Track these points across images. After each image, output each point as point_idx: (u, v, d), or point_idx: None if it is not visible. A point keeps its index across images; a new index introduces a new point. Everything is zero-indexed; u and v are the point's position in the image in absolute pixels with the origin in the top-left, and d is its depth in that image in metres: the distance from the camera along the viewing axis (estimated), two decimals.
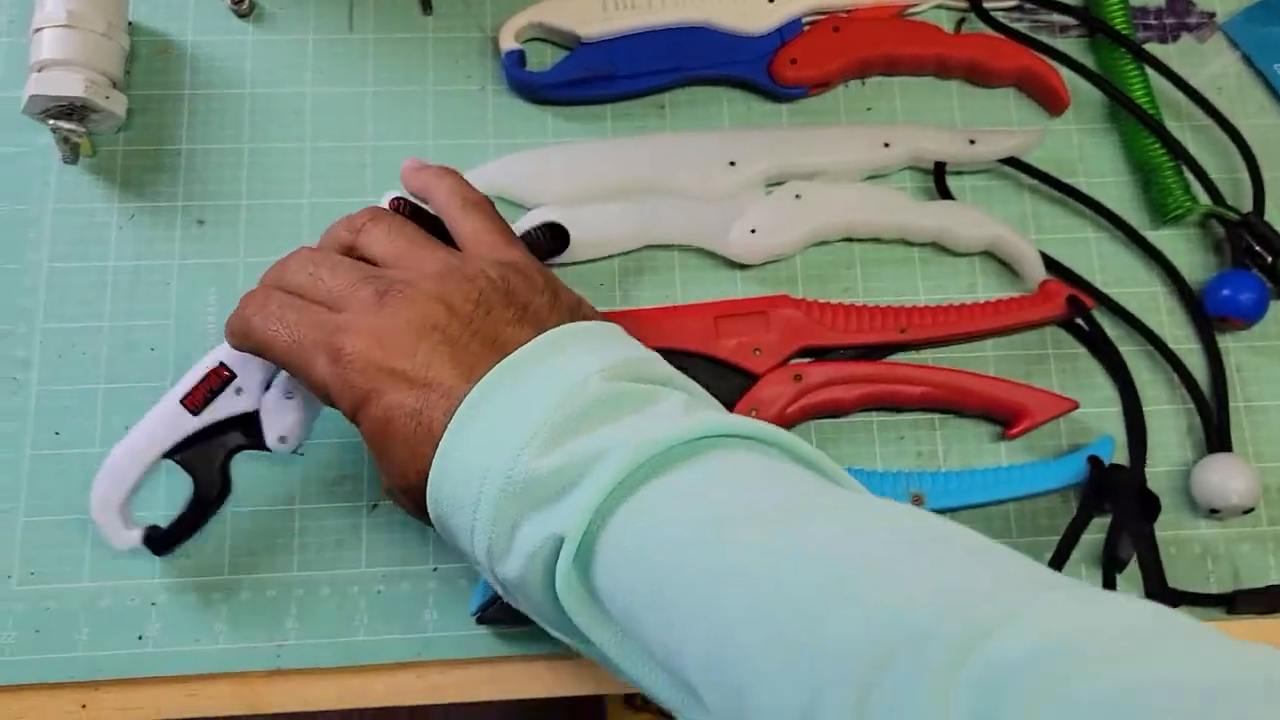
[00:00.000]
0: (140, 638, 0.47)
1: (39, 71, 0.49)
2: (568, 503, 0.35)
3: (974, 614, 0.28)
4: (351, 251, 0.43)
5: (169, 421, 0.45)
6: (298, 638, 0.47)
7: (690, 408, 0.37)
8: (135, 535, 0.44)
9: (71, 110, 0.49)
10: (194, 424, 0.45)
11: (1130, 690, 0.24)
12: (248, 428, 0.46)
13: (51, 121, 0.49)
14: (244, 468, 0.47)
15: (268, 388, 0.46)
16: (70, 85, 0.49)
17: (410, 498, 0.39)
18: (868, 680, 0.27)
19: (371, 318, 0.38)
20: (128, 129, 0.53)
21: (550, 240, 0.50)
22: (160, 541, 0.45)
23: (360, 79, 0.55)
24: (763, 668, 0.30)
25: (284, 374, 0.45)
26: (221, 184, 0.53)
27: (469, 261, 0.40)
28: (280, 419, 0.46)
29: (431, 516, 0.38)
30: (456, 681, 0.48)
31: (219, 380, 0.45)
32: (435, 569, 0.48)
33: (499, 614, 0.47)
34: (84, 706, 0.46)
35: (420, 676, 0.48)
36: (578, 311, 0.42)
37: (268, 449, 0.46)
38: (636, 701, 1.18)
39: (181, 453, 0.45)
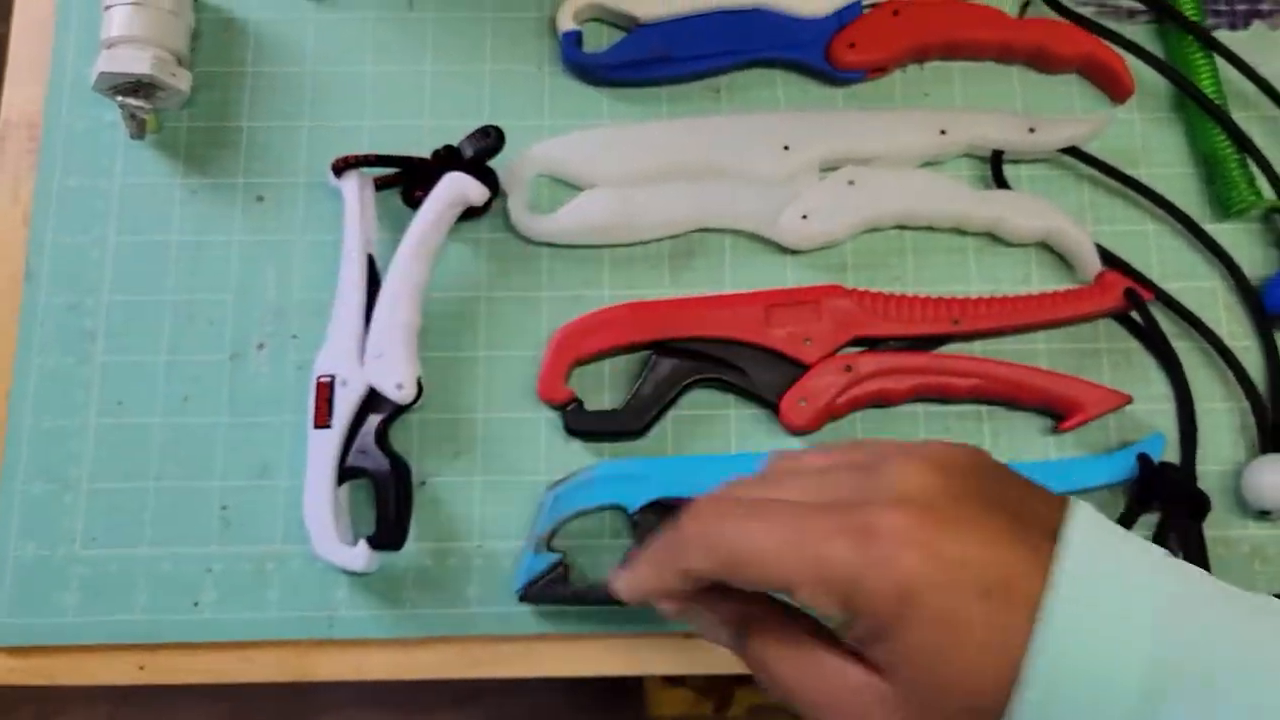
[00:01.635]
0: (196, 604, 0.47)
1: (108, 49, 0.49)
2: None
3: None
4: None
5: (320, 450, 0.47)
6: (348, 609, 0.47)
7: None
8: (361, 551, 0.46)
9: (138, 87, 0.49)
10: (337, 435, 0.47)
11: None
12: (375, 403, 0.47)
13: (119, 98, 0.49)
14: (291, 446, 0.48)
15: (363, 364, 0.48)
16: (138, 63, 0.49)
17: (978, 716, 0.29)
18: None
19: (891, 491, 0.30)
20: (192, 105, 0.53)
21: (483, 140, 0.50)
22: (380, 541, 0.46)
23: (419, 58, 0.54)
24: None
25: (370, 335, 0.47)
26: (281, 161, 0.53)
27: (922, 445, 0.33)
28: (386, 373, 0.47)
29: None
30: (498, 656, 0.48)
31: (326, 388, 0.47)
32: (480, 545, 0.48)
33: (541, 593, 0.47)
34: (142, 668, 0.47)
35: (464, 651, 0.48)
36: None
37: (401, 406, 0.47)
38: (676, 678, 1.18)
39: (348, 464, 0.47)
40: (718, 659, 0.48)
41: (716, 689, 1.04)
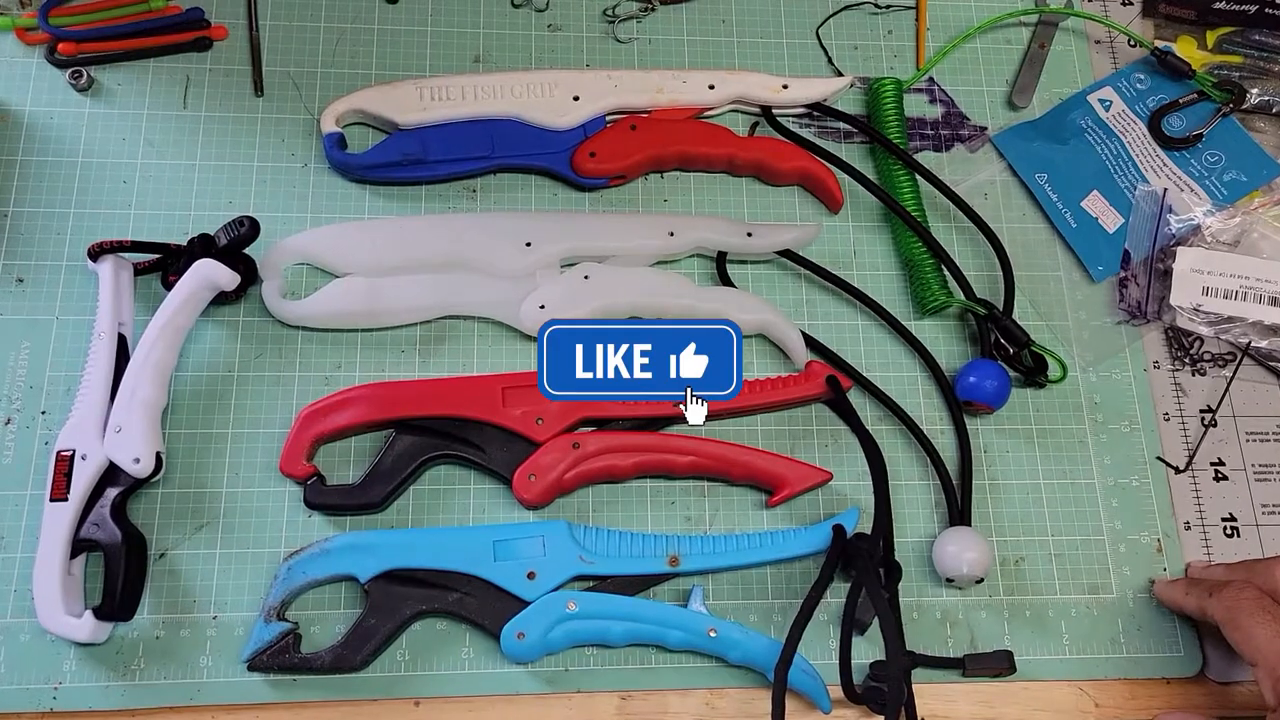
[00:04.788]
0: None
1: None
2: None
3: None
4: None
5: (54, 521, 0.46)
6: (74, 681, 0.46)
7: None
8: (86, 622, 0.45)
9: None
10: (72, 508, 0.46)
11: None
12: (114, 477, 0.47)
13: None
14: (30, 520, 0.47)
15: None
16: None
17: None
18: None
19: None
20: None
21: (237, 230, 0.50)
22: (106, 612, 0.45)
23: (189, 153, 0.55)
24: None
25: (112, 413, 0.47)
26: (46, 245, 0.52)
27: None
28: (125, 448, 0.46)
29: None
30: None
31: (65, 462, 0.46)
32: (216, 616, 0.48)
33: (269, 661, 0.46)
34: None
35: None
36: None
37: (139, 479, 0.47)
38: None
39: (81, 536, 0.46)
40: None
41: None
